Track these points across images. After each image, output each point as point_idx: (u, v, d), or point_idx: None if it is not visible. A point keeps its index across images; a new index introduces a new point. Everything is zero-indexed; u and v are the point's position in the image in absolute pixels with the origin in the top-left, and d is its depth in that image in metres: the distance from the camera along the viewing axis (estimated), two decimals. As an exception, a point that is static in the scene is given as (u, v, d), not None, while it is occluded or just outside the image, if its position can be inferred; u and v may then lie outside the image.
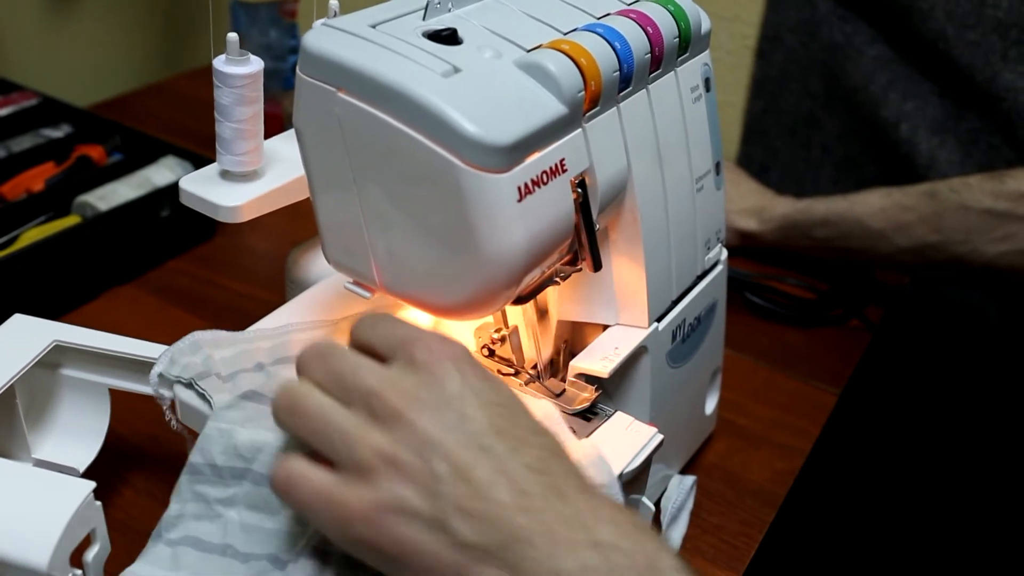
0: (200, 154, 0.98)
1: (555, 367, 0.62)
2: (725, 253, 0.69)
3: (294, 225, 0.81)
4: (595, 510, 0.43)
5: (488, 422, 0.44)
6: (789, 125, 1.09)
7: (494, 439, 0.43)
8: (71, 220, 0.91)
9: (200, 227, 0.96)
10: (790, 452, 0.77)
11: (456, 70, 0.48)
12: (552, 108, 0.49)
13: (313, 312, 0.63)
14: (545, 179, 0.49)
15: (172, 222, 0.92)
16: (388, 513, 0.42)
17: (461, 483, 0.42)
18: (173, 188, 0.92)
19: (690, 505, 0.69)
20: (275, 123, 1.04)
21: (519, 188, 0.48)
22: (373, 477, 0.43)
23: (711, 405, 0.74)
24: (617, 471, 0.55)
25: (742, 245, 1.00)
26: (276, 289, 0.89)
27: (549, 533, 0.41)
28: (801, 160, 1.09)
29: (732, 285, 0.71)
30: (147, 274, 0.92)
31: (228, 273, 0.93)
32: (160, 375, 0.57)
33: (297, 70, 0.51)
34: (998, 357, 1.01)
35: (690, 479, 0.69)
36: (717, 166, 0.65)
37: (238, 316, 0.87)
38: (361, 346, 0.48)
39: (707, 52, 0.63)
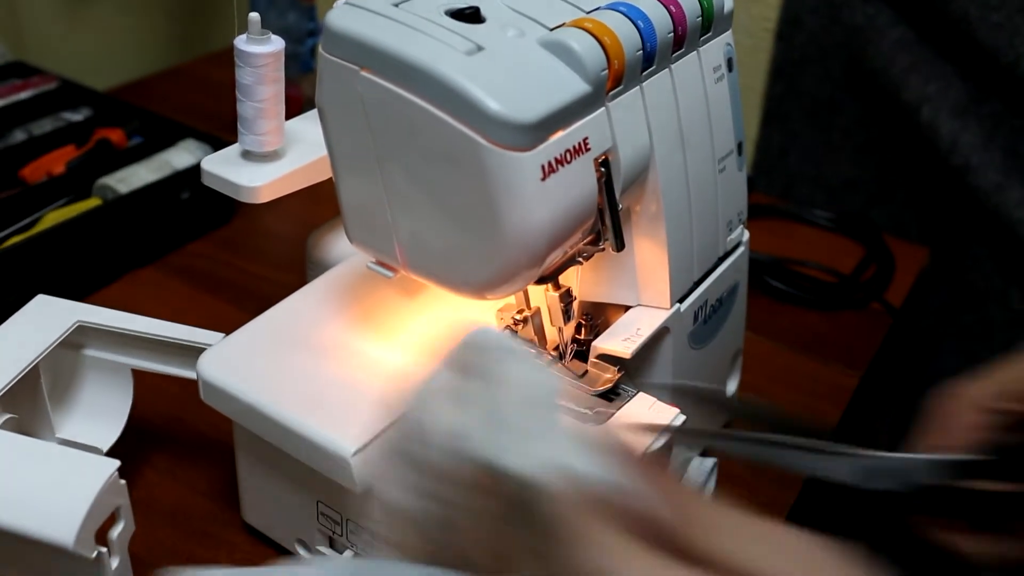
0: (219, 137, 0.98)
1: (577, 348, 0.62)
2: (747, 235, 0.69)
3: (313, 208, 0.82)
4: None
5: None
6: (809, 108, 1.08)
7: None
8: (92, 203, 0.91)
9: (219, 210, 0.97)
10: (810, 435, 0.77)
11: (479, 48, 0.48)
12: (575, 87, 0.49)
13: (335, 293, 0.63)
14: (568, 158, 0.49)
15: (192, 205, 0.92)
16: None
17: None
18: (193, 171, 0.93)
19: (711, 488, 0.69)
20: (294, 106, 1.04)
21: (543, 167, 0.48)
22: None
23: (732, 387, 0.73)
24: (639, 451, 0.55)
25: None
26: (295, 271, 0.89)
27: None
28: (821, 143, 1.08)
29: (752, 268, 0.71)
30: (167, 256, 0.92)
31: (247, 255, 0.94)
32: None
33: (319, 49, 0.51)
34: (1019, 341, 1.00)
35: (710, 461, 0.69)
36: (739, 147, 0.65)
37: (258, 298, 0.87)
38: None
39: (729, 32, 0.63)
